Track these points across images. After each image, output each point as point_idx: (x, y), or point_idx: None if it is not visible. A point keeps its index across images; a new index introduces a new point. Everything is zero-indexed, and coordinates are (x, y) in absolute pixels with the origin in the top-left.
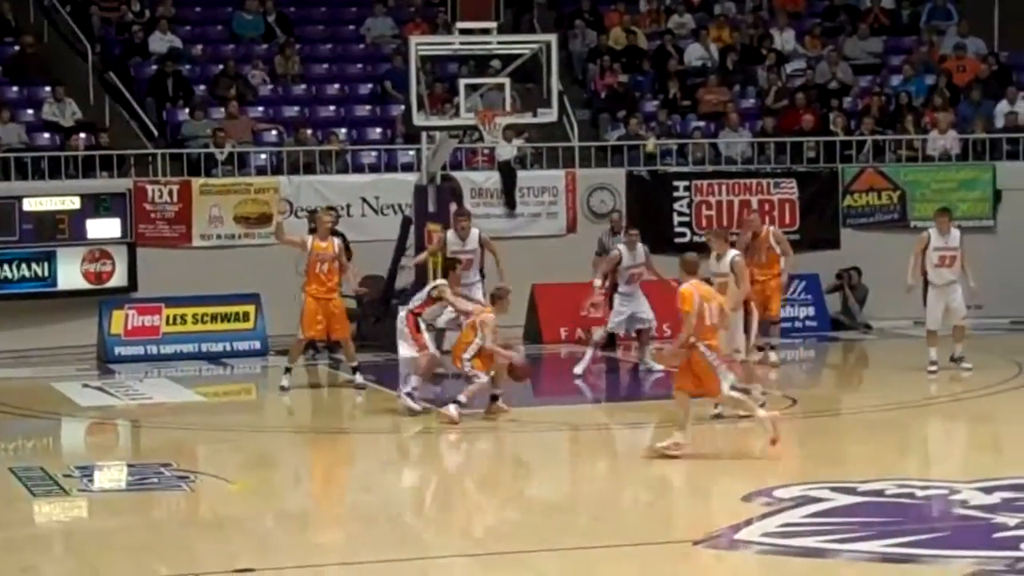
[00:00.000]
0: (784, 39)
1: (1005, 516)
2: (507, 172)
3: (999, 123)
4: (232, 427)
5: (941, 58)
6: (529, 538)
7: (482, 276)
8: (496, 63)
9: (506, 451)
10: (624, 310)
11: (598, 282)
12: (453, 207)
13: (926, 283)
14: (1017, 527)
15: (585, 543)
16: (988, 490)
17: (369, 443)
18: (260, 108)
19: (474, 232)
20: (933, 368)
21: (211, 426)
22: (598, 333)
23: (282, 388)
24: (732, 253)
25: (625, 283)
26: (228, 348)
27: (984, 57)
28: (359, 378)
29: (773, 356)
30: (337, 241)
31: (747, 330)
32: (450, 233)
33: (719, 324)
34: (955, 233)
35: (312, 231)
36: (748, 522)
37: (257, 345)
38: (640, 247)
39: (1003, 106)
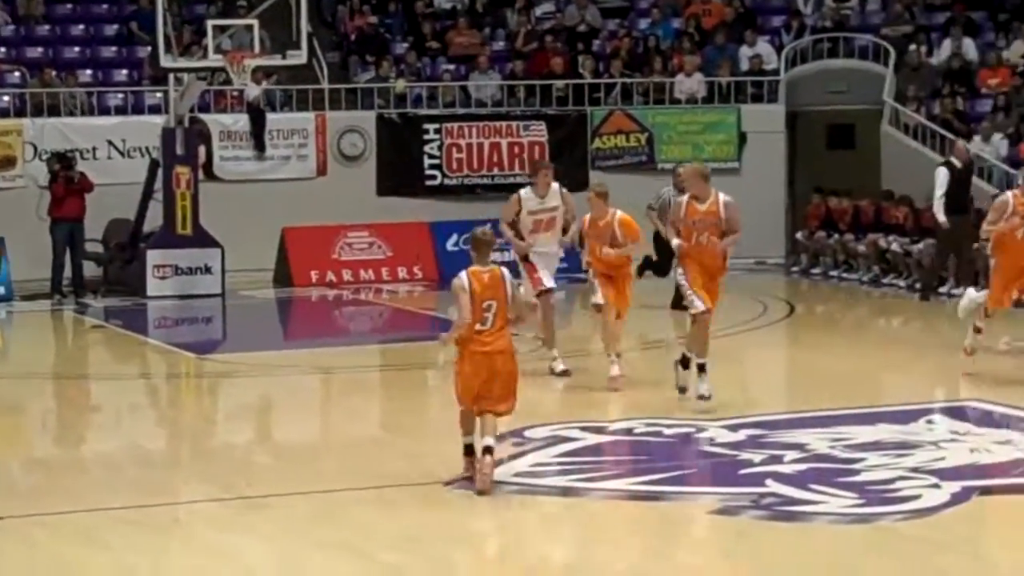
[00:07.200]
0: None
1: (750, 453)
2: (256, 114)
3: (743, 66)
4: None
5: (687, 2)
6: (277, 482)
7: None
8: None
9: (256, 395)
10: None
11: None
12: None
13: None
14: (762, 463)
15: (333, 486)
16: (734, 428)
17: (115, 389)
18: (2, 49)
19: None
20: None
21: None
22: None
23: None
24: None
25: None
26: None
27: (729, 1)
28: None
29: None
30: None
31: None
32: None
33: None
34: None
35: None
36: (499, 462)
37: (1, 291)
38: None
39: (747, 50)
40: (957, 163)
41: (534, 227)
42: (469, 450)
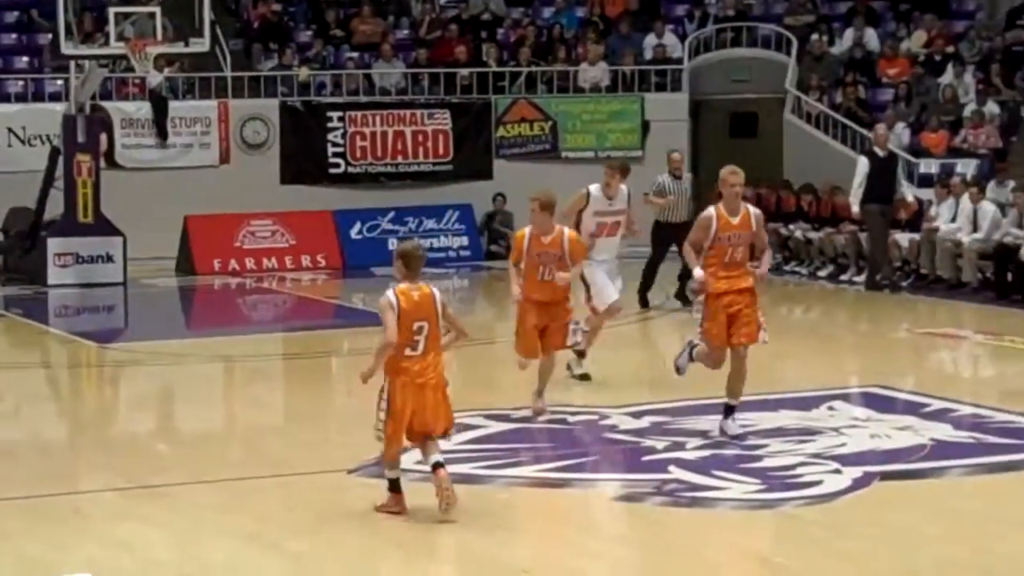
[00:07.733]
0: None
1: (653, 440)
2: (158, 102)
3: (648, 55)
4: None
5: None
6: (179, 471)
7: None
8: None
9: (158, 384)
10: None
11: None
12: (103, 138)
13: None
14: (665, 450)
15: (237, 475)
16: (637, 415)
17: (16, 378)
18: None
19: None
20: None
21: None
22: None
23: None
24: None
25: None
26: None
27: None
28: None
29: None
30: None
31: None
32: None
33: None
34: None
35: None
36: (403, 450)
37: None
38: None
39: (651, 39)
40: (879, 151)
41: (596, 230)
42: (395, 485)
